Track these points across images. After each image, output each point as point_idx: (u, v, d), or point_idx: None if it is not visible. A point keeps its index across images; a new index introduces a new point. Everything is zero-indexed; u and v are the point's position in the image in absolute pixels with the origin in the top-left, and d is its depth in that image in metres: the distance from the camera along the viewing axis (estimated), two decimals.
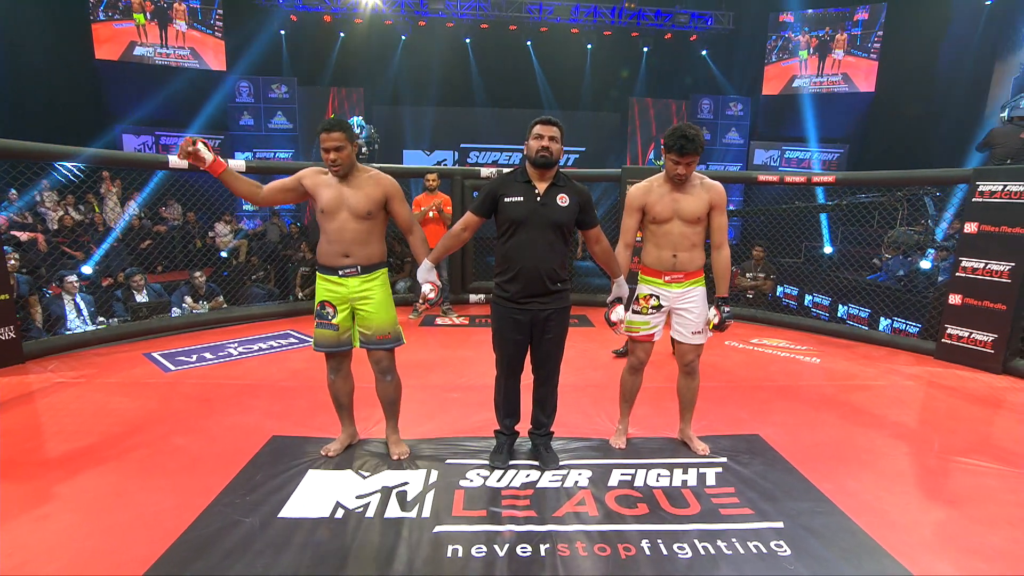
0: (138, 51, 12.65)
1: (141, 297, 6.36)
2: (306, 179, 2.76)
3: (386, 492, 2.66)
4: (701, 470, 2.91)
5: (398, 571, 2.14)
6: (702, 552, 2.28)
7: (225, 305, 6.79)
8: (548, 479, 2.80)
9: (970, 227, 4.87)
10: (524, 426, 3.07)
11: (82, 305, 5.97)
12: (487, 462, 2.93)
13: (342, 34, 13.93)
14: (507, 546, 2.29)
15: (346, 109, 13.55)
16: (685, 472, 2.88)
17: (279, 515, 2.47)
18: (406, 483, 2.75)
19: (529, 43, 14.21)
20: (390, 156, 13.41)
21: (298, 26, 13.72)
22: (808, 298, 7.38)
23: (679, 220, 2.84)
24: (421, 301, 2.74)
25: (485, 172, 6.87)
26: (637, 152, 14.37)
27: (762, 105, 14.30)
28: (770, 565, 2.22)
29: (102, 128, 12.18)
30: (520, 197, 2.62)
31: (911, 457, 3.20)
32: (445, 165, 13.94)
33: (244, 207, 13.45)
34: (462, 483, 2.75)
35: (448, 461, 2.96)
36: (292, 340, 5.37)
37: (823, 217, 8.20)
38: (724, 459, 3.03)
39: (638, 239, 2.98)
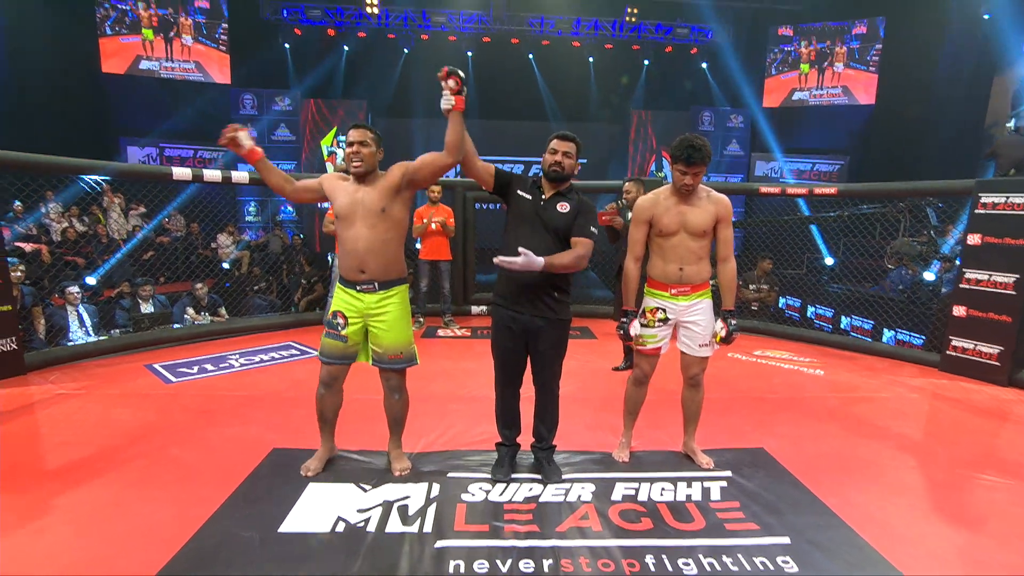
0: (144, 64, 12.74)
1: (147, 307, 6.37)
2: (326, 182, 2.78)
3: (387, 506, 2.63)
4: (706, 484, 2.87)
5: None
6: (708, 568, 2.25)
7: (227, 316, 6.78)
8: (551, 493, 2.76)
9: (973, 239, 4.85)
10: (527, 439, 3.03)
11: (85, 316, 5.97)
12: (489, 476, 2.89)
13: (346, 48, 14.05)
14: (510, 561, 2.26)
15: (350, 121, 13.62)
16: (689, 486, 2.85)
17: (279, 529, 2.44)
18: (407, 497, 2.71)
19: (531, 56, 14.28)
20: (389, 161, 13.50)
21: (302, 39, 13.85)
22: (811, 309, 7.35)
23: (685, 233, 2.83)
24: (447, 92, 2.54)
25: None
26: (637, 163, 14.40)
27: (762, 117, 14.34)
28: None
29: (106, 140, 12.24)
30: (528, 195, 2.70)
31: (917, 470, 3.16)
32: (447, 177, 13.98)
33: (247, 218, 13.50)
34: (464, 497, 2.71)
35: (450, 475, 2.92)
36: (294, 351, 5.35)
37: (813, 229, 8.18)
38: (728, 473, 2.99)
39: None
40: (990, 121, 10.54)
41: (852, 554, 2.35)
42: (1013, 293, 4.62)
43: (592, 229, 2.68)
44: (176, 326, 6.17)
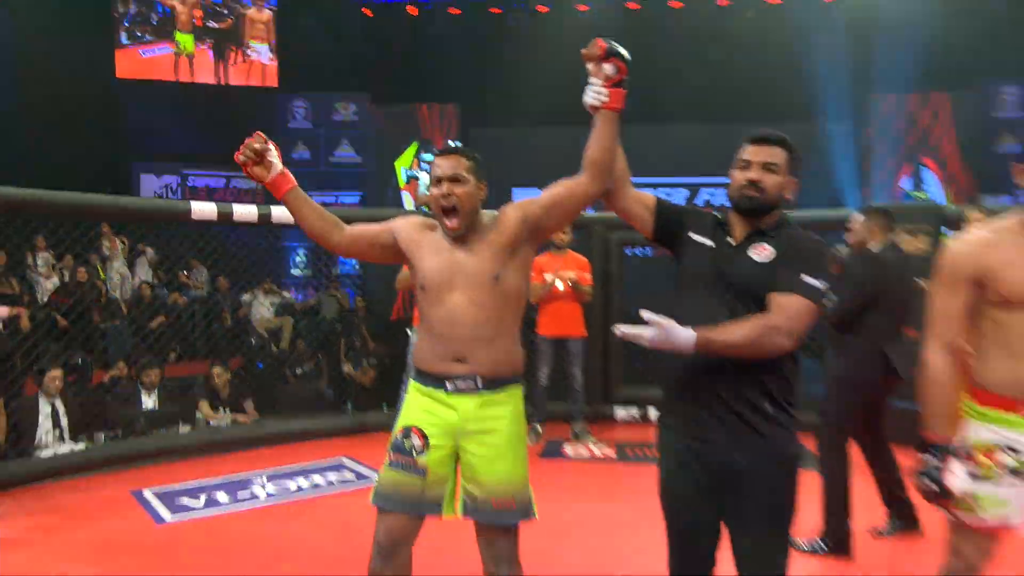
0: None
1: (150, 399, 6.43)
2: (402, 232, 2.67)
3: None
4: None
5: None
6: None
7: (255, 414, 6.79)
8: None
9: None
10: None
11: (61, 412, 6.02)
12: None
13: (431, 31, 14.44)
14: None
15: (435, 131, 13.90)
16: None
17: None
18: None
19: (701, 27, 13.93)
20: (496, 198, 13.51)
21: (372, 23, 14.42)
22: None
23: None
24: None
25: None
26: (879, 180, 13.61)
27: None
28: None
29: (114, 165, 13.08)
30: (707, 240, 2.40)
31: None
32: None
33: (292, 270, 13.87)
34: None
35: None
36: (347, 475, 5.36)
37: None
38: None
39: None
40: None
41: None
42: None
43: (809, 281, 2.25)
44: (183, 429, 6.20)
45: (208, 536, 4.18)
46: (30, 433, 5.77)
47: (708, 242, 2.42)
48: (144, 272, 10.30)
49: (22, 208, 5.16)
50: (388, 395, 7.03)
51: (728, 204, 2.47)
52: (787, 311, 2.21)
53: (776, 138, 2.38)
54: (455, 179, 2.55)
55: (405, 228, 2.69)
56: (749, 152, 2.38)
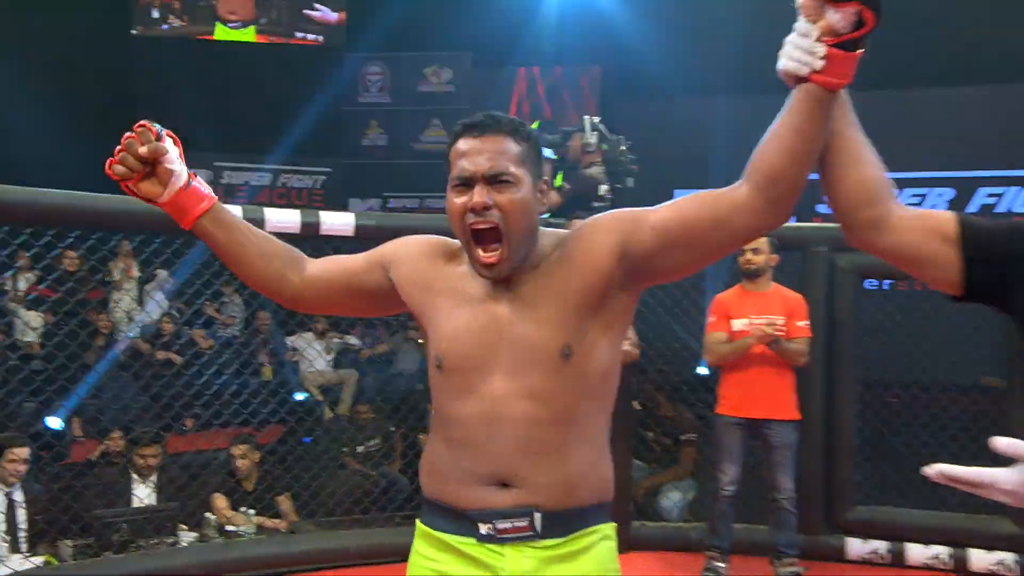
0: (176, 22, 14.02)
1: (146, 491, 6.42)
2: (403, 266, 2.45)
3: None
4: None
5: None
6: None
7: (293, 518, 6.72)
8: None
9: None
10: None
11: (20, 510, 6.06)
12: None
13: None
14: None
15: (563, 104, 13.73)
16: None
17: None
18: None
19: None
20: (645, 202, 13.27)
21: None
22: None
23: None
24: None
25: None
26: None
27: None
28: None
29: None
30: None
31: None
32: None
33: None
34: None
35: None
36: None
37: None
38: None
39: None
40: None
41: None
42: None
43: None
44: (186, 539, 6.14)
45: None
46: None
47: None
48: (156, 304, 10.33)
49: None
50: None
51: None
52: None
53: None
54: (497, 179, 2.19)
55: (409, 260, 2.44)
56: None
